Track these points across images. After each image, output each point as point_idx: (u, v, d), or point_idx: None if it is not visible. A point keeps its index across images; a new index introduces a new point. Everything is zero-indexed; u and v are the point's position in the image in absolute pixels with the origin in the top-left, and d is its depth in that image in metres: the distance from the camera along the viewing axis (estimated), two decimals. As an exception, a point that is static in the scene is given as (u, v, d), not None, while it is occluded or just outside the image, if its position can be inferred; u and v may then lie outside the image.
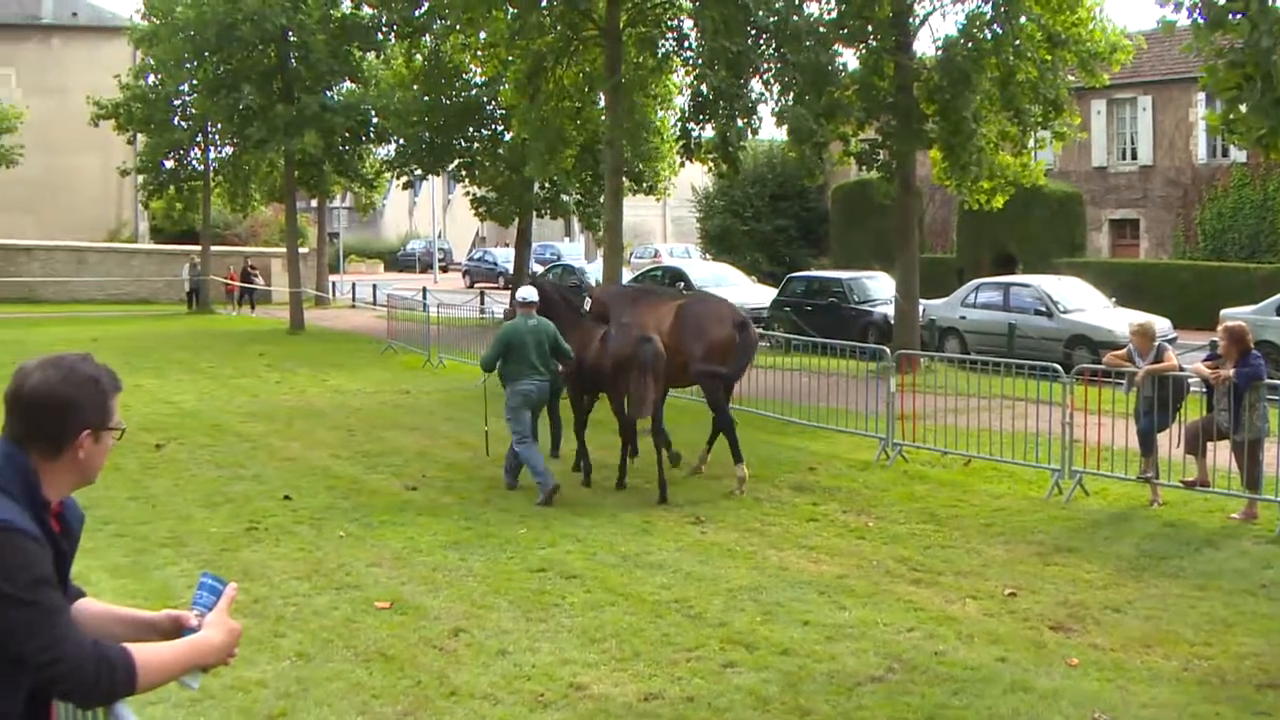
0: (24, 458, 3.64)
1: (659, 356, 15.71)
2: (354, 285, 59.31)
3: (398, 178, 47.08)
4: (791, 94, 26.05)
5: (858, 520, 14.22)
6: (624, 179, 31.26)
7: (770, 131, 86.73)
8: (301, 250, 47.34)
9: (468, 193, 45.54)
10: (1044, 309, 29.94)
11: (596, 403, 17.46)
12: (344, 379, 27.30)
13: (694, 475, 16.88)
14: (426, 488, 15.97)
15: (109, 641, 3.57)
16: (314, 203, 57.90)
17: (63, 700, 3.78)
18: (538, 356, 15.84)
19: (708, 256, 58.35)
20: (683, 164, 32.96)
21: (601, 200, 35.93)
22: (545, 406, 16.62)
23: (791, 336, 25.48)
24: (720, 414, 16.50)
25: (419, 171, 45.62)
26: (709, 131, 28.36)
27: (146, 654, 3.60)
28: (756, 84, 27.30)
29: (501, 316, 29.09)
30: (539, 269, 55.04)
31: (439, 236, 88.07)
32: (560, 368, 16.48)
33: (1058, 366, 16.90)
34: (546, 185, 41.29)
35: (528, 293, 16.52)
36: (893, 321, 29.77)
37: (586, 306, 18.64)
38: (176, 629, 3.88)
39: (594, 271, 44.91)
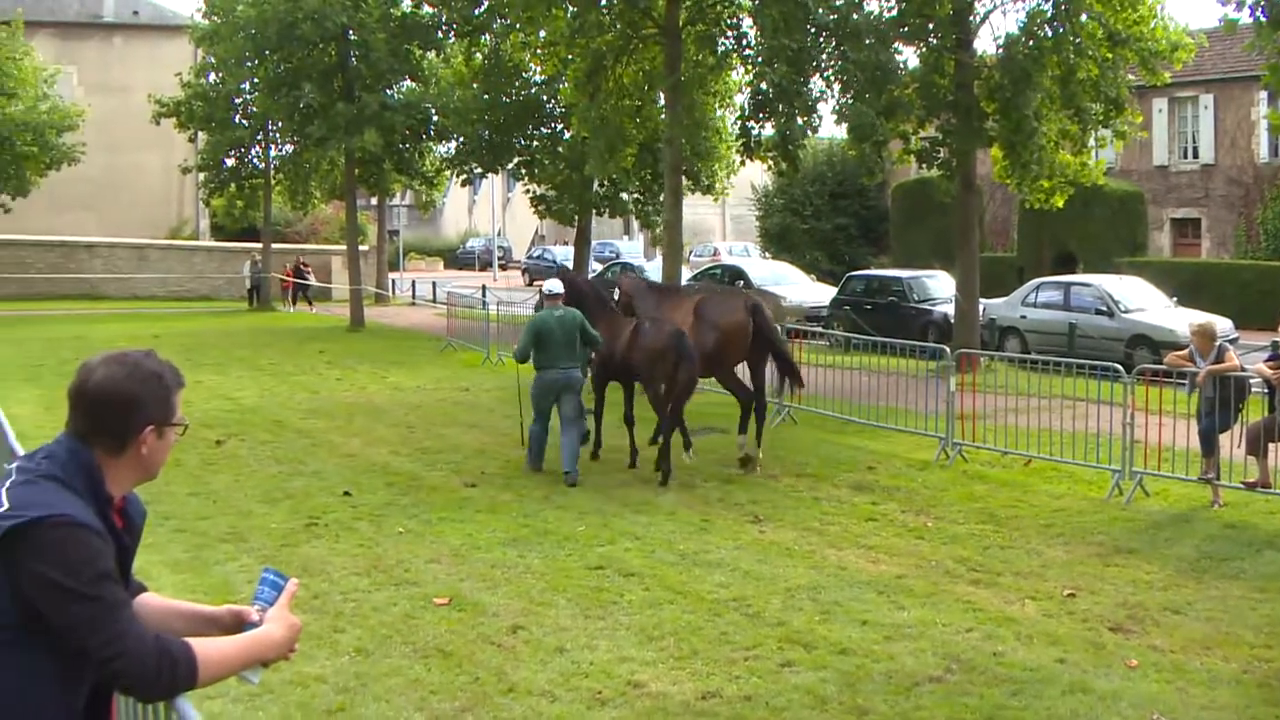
0: (88, 454, 3.66)
1: (694, 347, 16.69)
2: (414, 283, 59.57)
3: (457, 175, 47.19)
4: (852, 92, 25.97)
5: (917, 520, 14.19)
6: (683, 178, 31.19)
7: (830, 130, 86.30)
8: (361, 248, 47.56)
9: (527, 190, 45.53)
10: (1105, 308, 29.71)
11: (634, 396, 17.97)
12: (403, 376, 27.44)
13: (749, 471, 16.94)
14: (485, 485, 16.05)
15: (170, 636, 3.58)
16: (374, 200, 58.16)
17: (124, 694, 3.80)
18: (565, 345, 16.54)
19: (767, 255, 58.25)
20: (742, 163, 32.90)
21: (661, 199, 35.95)
22: (578, 392, 16.92)
23: (851, 335, 25.40)
24: (740, 394, 17.89)
25: (479, 169, 45.65)
26: (769, 129, 28.31)
27: (208, 648, 3.61)
28: (817, 82, 27.24)
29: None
30: (598, 267, 55.08)
31: (498, 234, 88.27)
32: (592, 355, 17.32)
33: (1119, 366, 16.80)
34: (606, 184, 41.31)
35: (553, 285, 17.52)
36: (953, 320, 29.66)
37: (616, 297, 19.43)
38: (237, 624, 3.89)
39: (653, 270, 44.82)
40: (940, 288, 34.03)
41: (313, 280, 52.88)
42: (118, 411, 3.69)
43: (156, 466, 3.82)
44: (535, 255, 77.47)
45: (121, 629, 3.43)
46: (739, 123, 29.74)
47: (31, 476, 3.58)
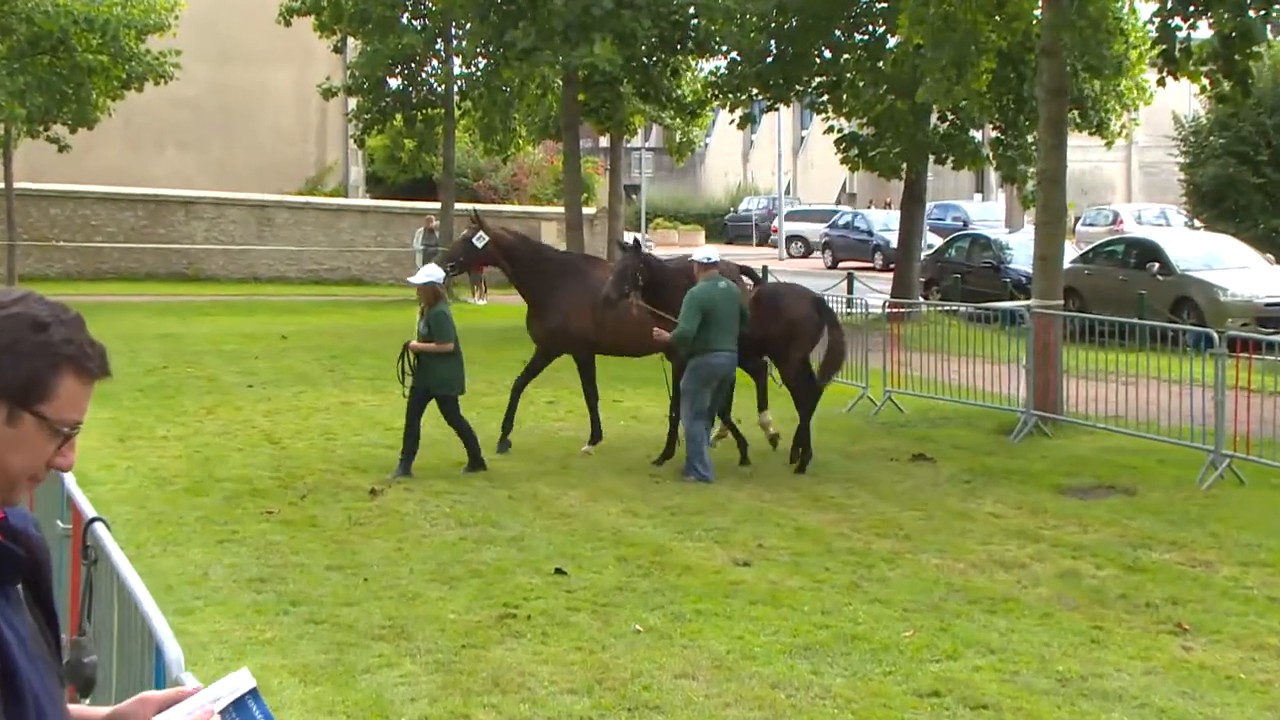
0: None
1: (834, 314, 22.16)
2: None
3: (728, 108, 47.16)
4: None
5: None
6: (1069, 107, 30.71)
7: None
8: (586, 211, 48.00)
9: (831, 129, 45.54)
10: None
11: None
12: (644, 399, 27.59)
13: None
14: (765, 563, 16.08)
15: None
16: (604, 141, 58.65)
17: None
18: (730, 325, 20.16)
19: (1197, 224, 57.20)
20: (1160, 82, 32.30)
21: (1033, 140, 35.50)
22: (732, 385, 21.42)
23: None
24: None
25: (760, 97, 45.69)
26: (1202, 30, 27.75)
27: None
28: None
29: (881, 312, 29.32)
30: (934, 241, 54.77)
31: (787, 193, 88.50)
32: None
33: None
34: (949, 117, 41.03)
35: (708, 252, 21.51)
36: None
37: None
38: None
39: (1020, 245, 44.34)
40: None
41: None
42: None
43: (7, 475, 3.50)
44: (841, 223, 77.40)
45: None
46: (1157, 22, 29.22)
47: None
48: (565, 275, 23.39)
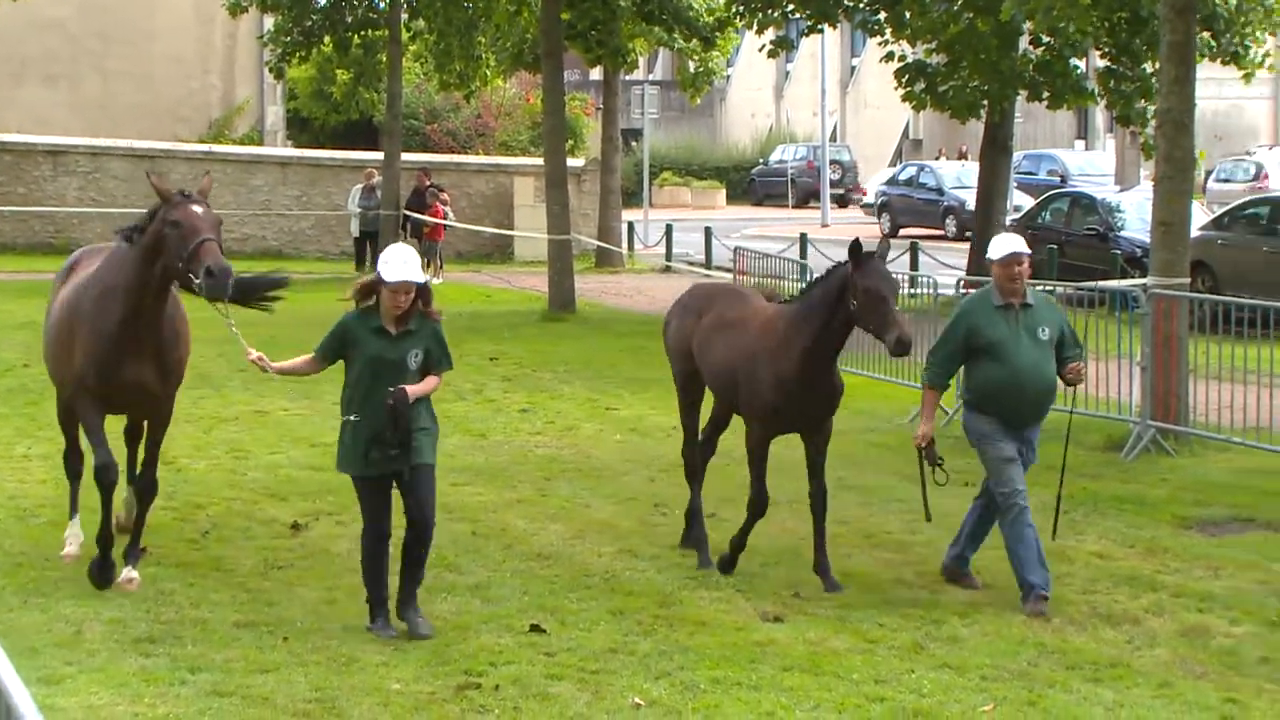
0: None
1: None
2: (668, 229, 59.90)
3: (756, 29, 46.99)
4: None
5: None
6: (1199, 29, 30.73)
7: None
8: (573, 162, 47.80)
9: (889, 56, 45.42)
10: None
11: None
12: (646, 405, 27.65)
13: None
14: (800, 617, 16.11)
15: None
16: (596, 74, 58.59)
17: None
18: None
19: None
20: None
21: (1153, 71, 35.52)
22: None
23: None
24: None
25: (798, 16, 45.58)
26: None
27: None
28: None
29: (960, 294, 29.13)
30: (1023, 202, 54.74)
31: (832, 140, 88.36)
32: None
33: None
34: (1044, 40, 41.06)
35: (1011, 243, 17.37)
36: None
37: None
38: None
39: (1134, 207, 44.33)
40: None
41: (449, 217, 52.63)
42: None
43: None
44: (901, 179, 77.29)
45: None
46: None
47: None
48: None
